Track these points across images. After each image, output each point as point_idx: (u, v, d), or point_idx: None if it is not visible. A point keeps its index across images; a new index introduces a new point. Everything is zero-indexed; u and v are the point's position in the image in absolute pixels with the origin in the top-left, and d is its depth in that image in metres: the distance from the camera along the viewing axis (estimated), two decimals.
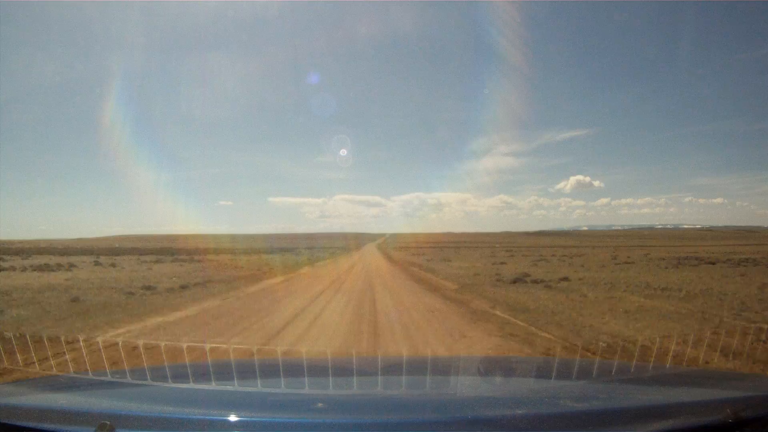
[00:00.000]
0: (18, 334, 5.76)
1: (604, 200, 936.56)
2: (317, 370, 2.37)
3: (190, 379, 2.05)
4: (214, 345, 3.67)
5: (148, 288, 15.52)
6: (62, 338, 5.86)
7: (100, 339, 7.03)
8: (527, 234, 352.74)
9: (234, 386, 2.03)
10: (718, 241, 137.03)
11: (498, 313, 10.49)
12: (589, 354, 6.29)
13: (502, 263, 34.10)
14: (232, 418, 1.39)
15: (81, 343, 5.91)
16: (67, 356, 5.21)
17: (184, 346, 2.92)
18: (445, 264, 35.09)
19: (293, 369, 2.38)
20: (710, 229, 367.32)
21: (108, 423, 1.29)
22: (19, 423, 1.39)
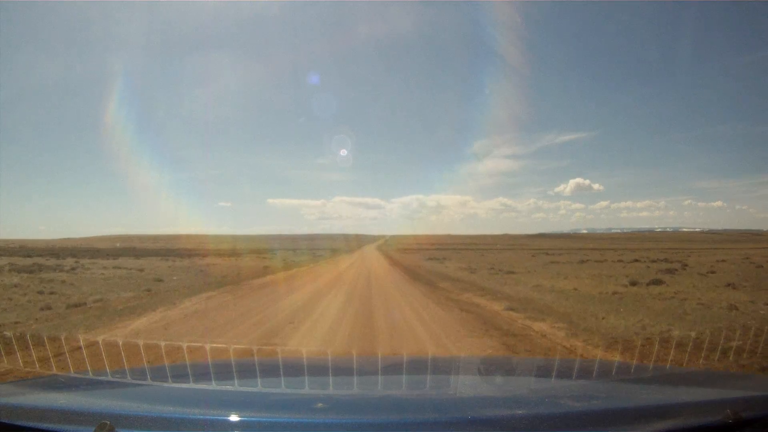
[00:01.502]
0: None
1: (604, 203, 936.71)
2: (317, 369, 2.37)
3: (190, 379, 2.05)
4: (215, 345, 3.63)
5: None
6: None
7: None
8: (529, 237, 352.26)
9: (234, 386, 2.03)
10: (743, 245, 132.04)
11: None
12: None
13: (645, 285, 16.11)
14: (232, 418, 1.39)
15: None
16: None
17: (184, 346, 2.91)
18: (522, 284, 17.19)
19: (293, 369, 2.37)
20: (711, 232, 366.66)
21: (108, 423, 1.29)
22: (19, 423, 1.39)
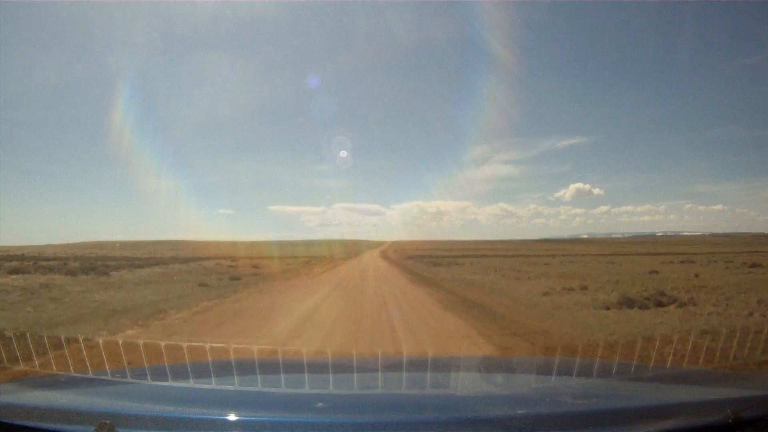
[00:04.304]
0: None
1: (604, 208, 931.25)
2: (317, 368, 2.36)
3: (190, 379, 2.06)
4: (215, 344, 3.62)
5: None
6: None
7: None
8: (532, 242, 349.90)
9: (234, 385, 2.04)
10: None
11: None
12: None
13: None
14: (232, 417, 1.39)
15: None
16: None
17: (185, 345, 2.91)
18: None
19: (293, 368, 2.37)
20: (713, 236, 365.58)
21: (108, 422, 1.29)
22: (19, 422, 1.40)
